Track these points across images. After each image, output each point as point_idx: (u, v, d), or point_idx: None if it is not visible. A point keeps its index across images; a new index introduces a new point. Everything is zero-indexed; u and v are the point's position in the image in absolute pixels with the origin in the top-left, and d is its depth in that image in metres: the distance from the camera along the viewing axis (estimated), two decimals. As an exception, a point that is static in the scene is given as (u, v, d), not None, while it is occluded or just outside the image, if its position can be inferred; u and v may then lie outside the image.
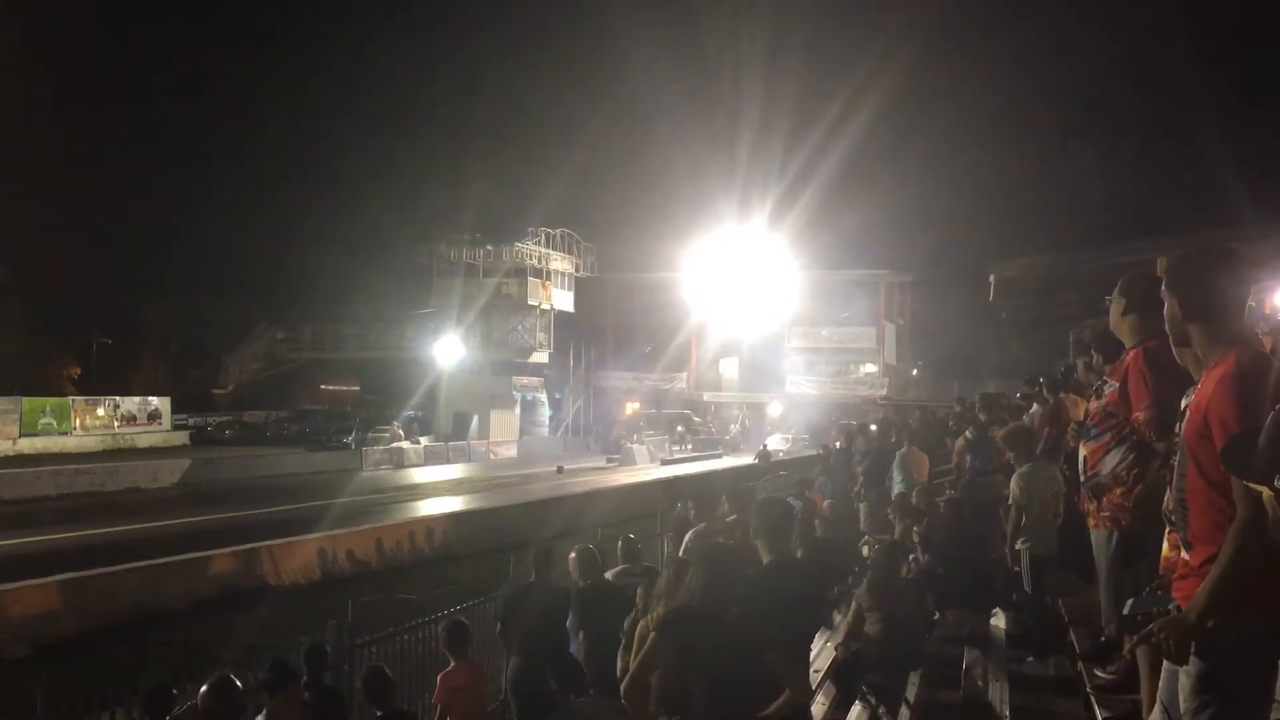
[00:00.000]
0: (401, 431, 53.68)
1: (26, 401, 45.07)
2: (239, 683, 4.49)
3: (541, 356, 61.37)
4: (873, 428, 14.28)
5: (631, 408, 63.85)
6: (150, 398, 53.29)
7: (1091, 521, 4.58)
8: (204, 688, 4.34)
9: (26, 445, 43.31)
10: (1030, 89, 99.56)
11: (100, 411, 49.20)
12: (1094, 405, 4.59)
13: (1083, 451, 4.56)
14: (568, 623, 6.81)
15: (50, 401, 47.42)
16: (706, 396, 65.41)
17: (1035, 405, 10.33)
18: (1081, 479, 4.59)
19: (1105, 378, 4.63)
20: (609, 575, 7.38)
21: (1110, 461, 4.35)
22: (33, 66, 62.97)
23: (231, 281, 67.27)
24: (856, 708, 5.94)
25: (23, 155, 58.09)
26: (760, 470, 21.73)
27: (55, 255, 58.97)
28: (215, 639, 14.49)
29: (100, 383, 55.94)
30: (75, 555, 18.29)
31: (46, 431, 45.26)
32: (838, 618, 7.61)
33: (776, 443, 50.00)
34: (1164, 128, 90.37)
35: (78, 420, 47.48)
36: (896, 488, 10.96)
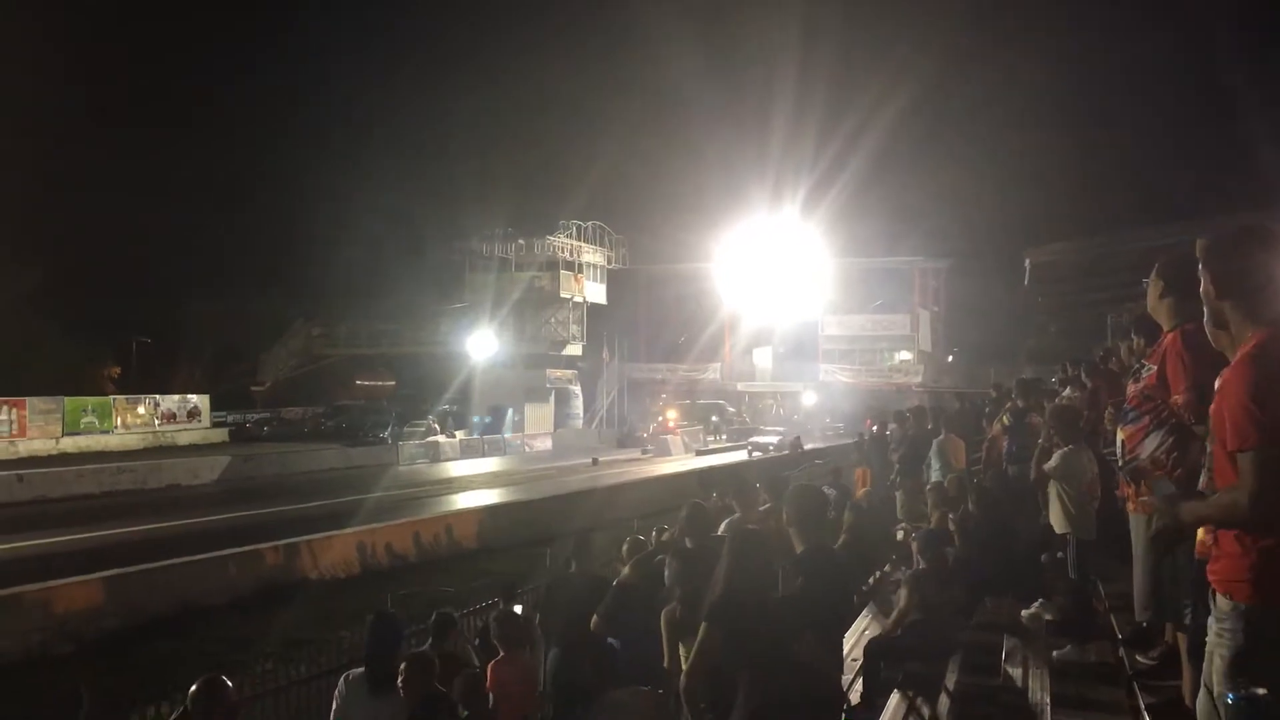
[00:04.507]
0: (437, 425, 54.01)
1: (69, 401, 45.70)
2: (229, 682, 4.41)
3: (575, 349, 61.50)
4: (906, 414, 14.15)
5: (664, 409, 63.21)
6: (189, 395, 53.87)
7: (1130, 506, 4.53)
8: (193, 687, 4.23)
9: (69, 444, 43.95)
10: (1065, 71, 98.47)
11: (141, 410, 49.82)
12: (1132, 389, 4.53)
13: (1121, 435, 4.51)
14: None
15: (92, 401, 48.06)
16: (740, 386, 65.30)
17: (1068, 389, 10.21)
18: (1120, 463, 4.54)
19: (1143, 361, 4.58)
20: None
21: (1149, 445, 4.29)
22: (71, 71, 63.82)
23: (267, 279, 67.81)
24: (895, 697, 5.90)
25: (59, 158, 58.96)
26: (795, 459, 21.68)
27: (93, 256, 59.81)
28: (256, 634, 14.67)
29: (140, 381, 56.64)
30: (118, 552, 18.55)
31: (89, 430, 45.91)
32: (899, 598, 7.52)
33: (766, 438, 49.63)
34: (1201, 108, 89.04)
35: (119, 419, 48.11)
36: (934, 475, 10.88)
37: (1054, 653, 6.09)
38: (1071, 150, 78.34)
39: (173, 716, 4.22)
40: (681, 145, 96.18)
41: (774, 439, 48.16)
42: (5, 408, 42.22)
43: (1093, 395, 8.24)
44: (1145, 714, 4.35)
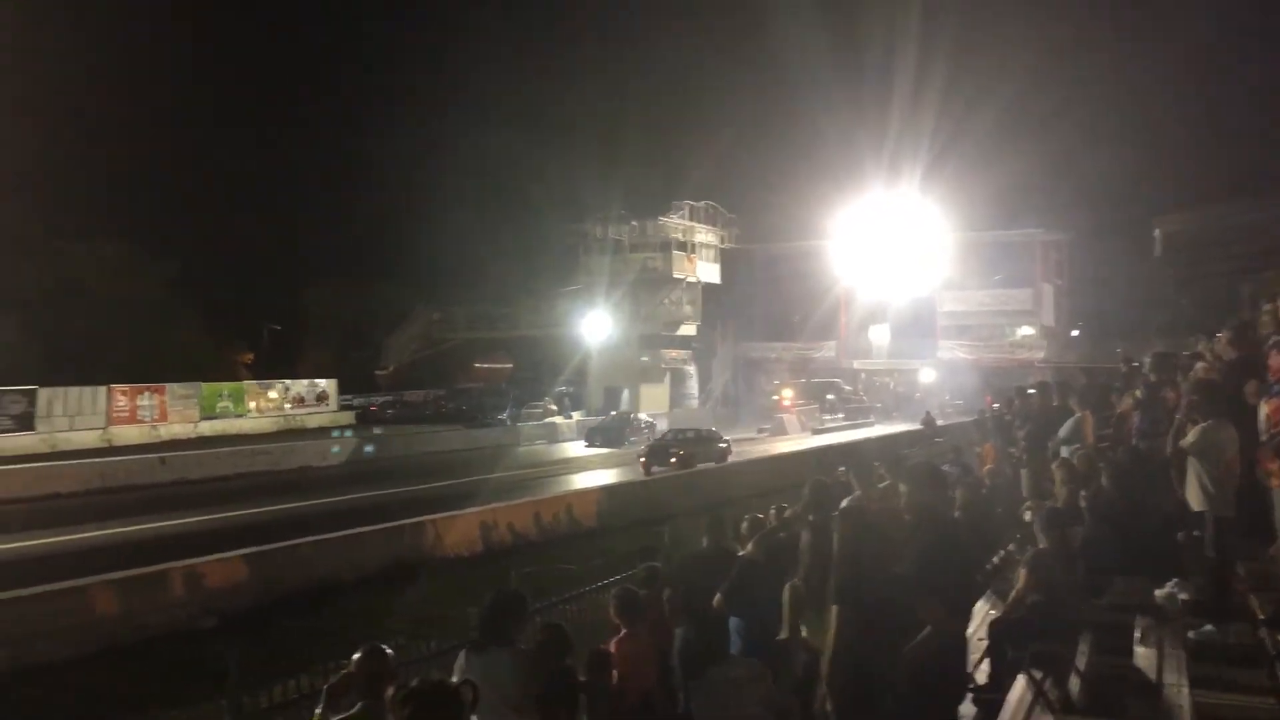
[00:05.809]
0: (554, 407, 54.74)
1: (206, 387, 47.83)
2: (389, 650, 4.66)
3: (689, 329, 61.58)
4: (1030, 391, 13.80)
5: (779, 387, 62.15)
6: (318, 380, 55.79)
7: (1274, 481, 4.37)
8: (356, 655, 4.54)
9: (207, 428, 46.03)
10: (1194, 30, 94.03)
11: (272, 394, 51.81)
12: (1275, 360, 4.36)
13: (1264, 409, 4.35)
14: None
15: (227, 386, 50.19)
16: (856, 364, 64.45)
17: (1200, 364, 9.82)
18: (1263, 438, 4.38)
19: (1286, 331, 4.39)
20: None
21: (1293, 419, 4.13)
22: (196, 70, 66.40)
23: (389, 267, 69.66)
24: (1021, 678, 5.80)
25: (189, 157, 61.43)
26: (919, 436, 21.34)
27: (225, 249, 62.29)
28: (385, 610, 15.13)
29: (271, 367, 58.86)
30: (255, 531, 19.33)
31: (224, 414, 47.98)
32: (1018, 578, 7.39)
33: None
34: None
35: (252, 403, 50.15)
36: (1066, 452, 10.57)
37: (1190, 633, 5.90)
38: (1200, 113, 74.79)
39: (334, 679, 4.48)
40: (797, 122, 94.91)
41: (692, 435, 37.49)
42: (148, 394, 44.40)
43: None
44: (1289, 696, 4.20)
